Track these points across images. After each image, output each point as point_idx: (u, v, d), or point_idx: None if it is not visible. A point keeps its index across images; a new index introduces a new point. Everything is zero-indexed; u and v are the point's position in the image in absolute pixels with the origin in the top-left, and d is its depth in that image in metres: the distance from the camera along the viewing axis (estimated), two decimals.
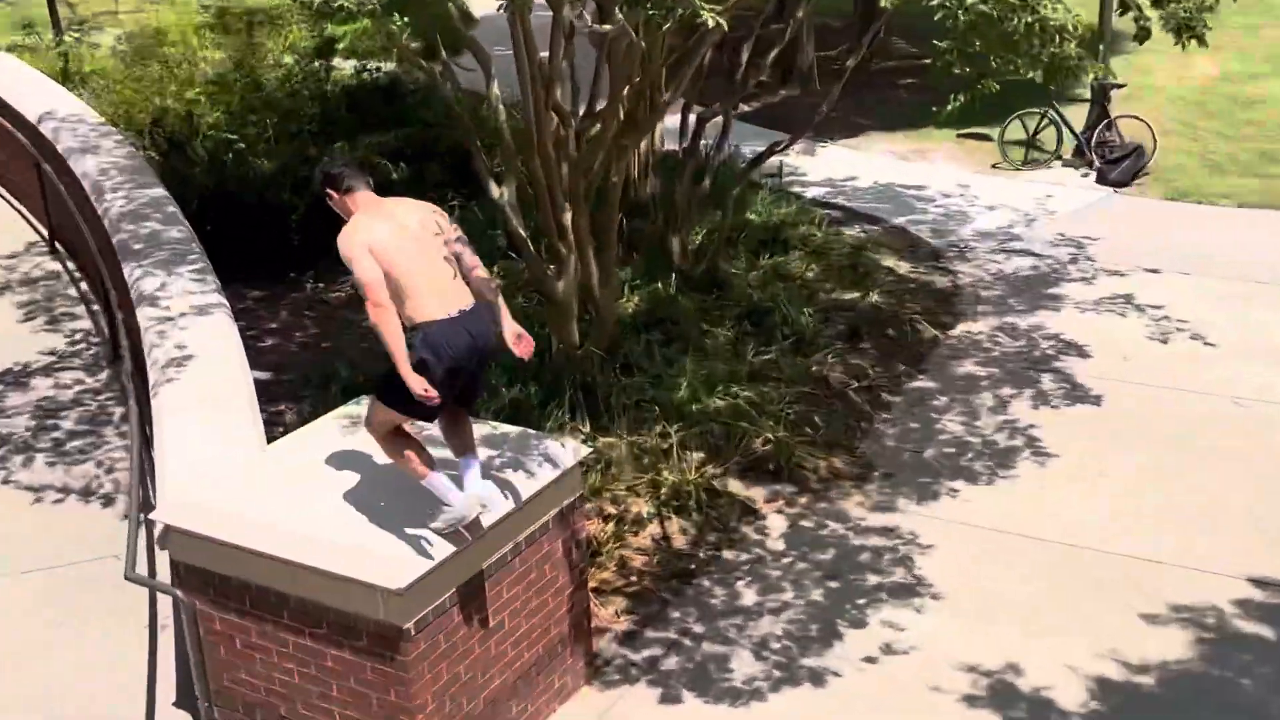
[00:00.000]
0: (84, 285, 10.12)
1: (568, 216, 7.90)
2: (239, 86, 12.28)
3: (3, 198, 11.94)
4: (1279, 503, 7.20)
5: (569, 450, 5.72)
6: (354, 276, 4.80)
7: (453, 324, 4.85)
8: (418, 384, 4.73)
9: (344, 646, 5.06)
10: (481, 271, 5.08)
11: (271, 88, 12.44)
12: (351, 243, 4.80)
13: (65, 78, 14.24)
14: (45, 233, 10.95)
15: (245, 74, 12.51)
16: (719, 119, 10.03)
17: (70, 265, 10.50)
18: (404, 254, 4.82)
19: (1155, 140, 13.03)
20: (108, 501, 7.33)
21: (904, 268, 10.75)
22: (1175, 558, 6.74)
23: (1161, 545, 6.84)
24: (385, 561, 4.89)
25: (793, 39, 12.51)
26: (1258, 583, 6.51)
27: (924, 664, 6.03)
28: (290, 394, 8.62)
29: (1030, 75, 5.17)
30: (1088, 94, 13.56)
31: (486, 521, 5.16)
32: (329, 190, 5.03)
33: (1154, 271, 10.48)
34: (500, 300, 5.15)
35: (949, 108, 5.46)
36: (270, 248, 10.81)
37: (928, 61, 16.82)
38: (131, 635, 6.22)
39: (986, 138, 14.06)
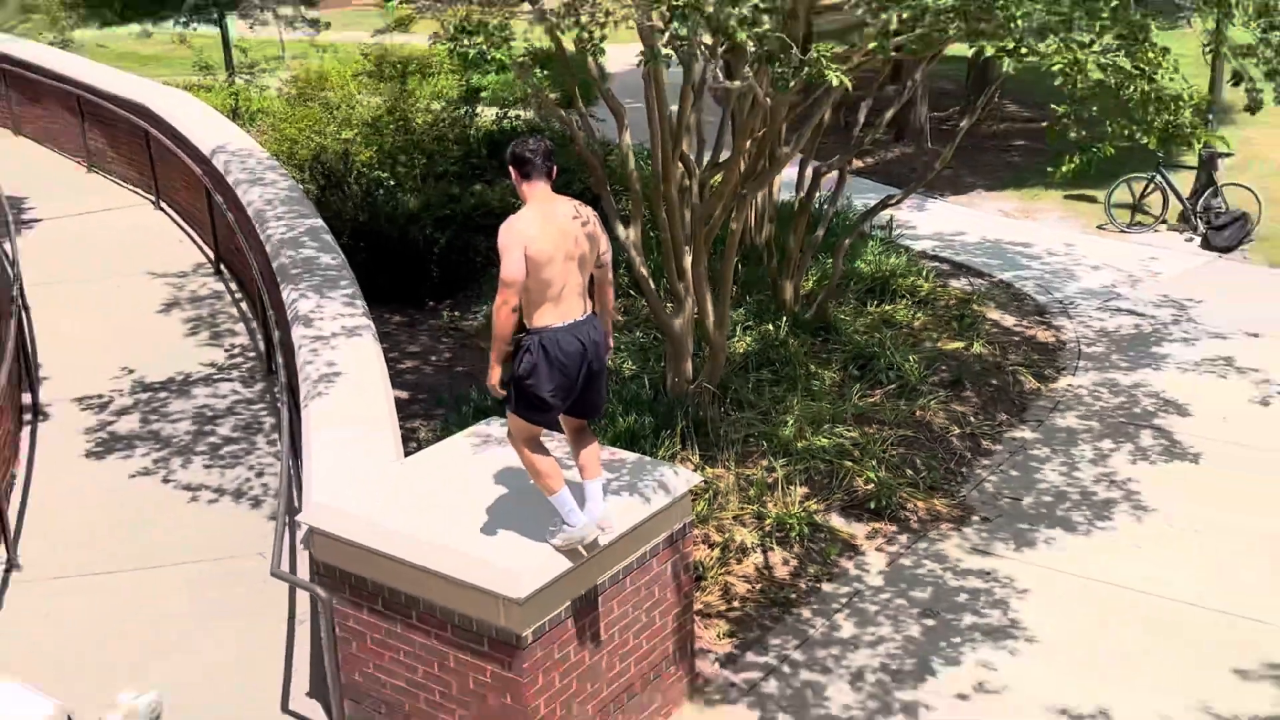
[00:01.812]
0: (244, 305, 10.45)
1: (688, 259, 7.94)
2: (390, 129, 12.63)
3: (176, 222, 12.42)
4: None
5: (681, 478, 5.71)
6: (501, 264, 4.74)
7: (565, 331, 4.86)
8: (494, 378, 4.84)
9: (465, 649, 5.13)
10: (611, 290, 5.16)
11: (420, 131, 12.79)
12: (511, 234, 4.74)
13: (235, 115, 14.84)
14: (212, 255, 11.34)
15: (397, 118, 12.85)
16: (835, 174, 10.01)
17: (233, 286, 10.85)
18: (553, 265, 4.79)
19: (1261, 208, 12.64)
20: (256, 503, 7.52)
21: (1008, 321, 10.59)
22: (1272, 617, 6.48)
23: (1258, 606, 6.59)
24: (508, 572, 4.93)
25: (908, 100, 12.46)
26: None
27: (1016, 705, 5.89)
28: (425, 412, 8.79)
29: (1145, 141, 5.07)
30: (1194, 161, 13.23)
31: (602, 541, 5.19)
32: (513, 169, 4.93)
33: (1255, 335, 10.16)
34: (610, 316, 5.19)
35: (1064, 168, 5.37)
36: (412, 278, 11.08)
37: (1039, 125, 16.64)
38: (272, 628, 6.37)
39: (1093, 200, 13.81)
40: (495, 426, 6.19)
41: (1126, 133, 5.06)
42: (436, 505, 5.42)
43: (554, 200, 4.94)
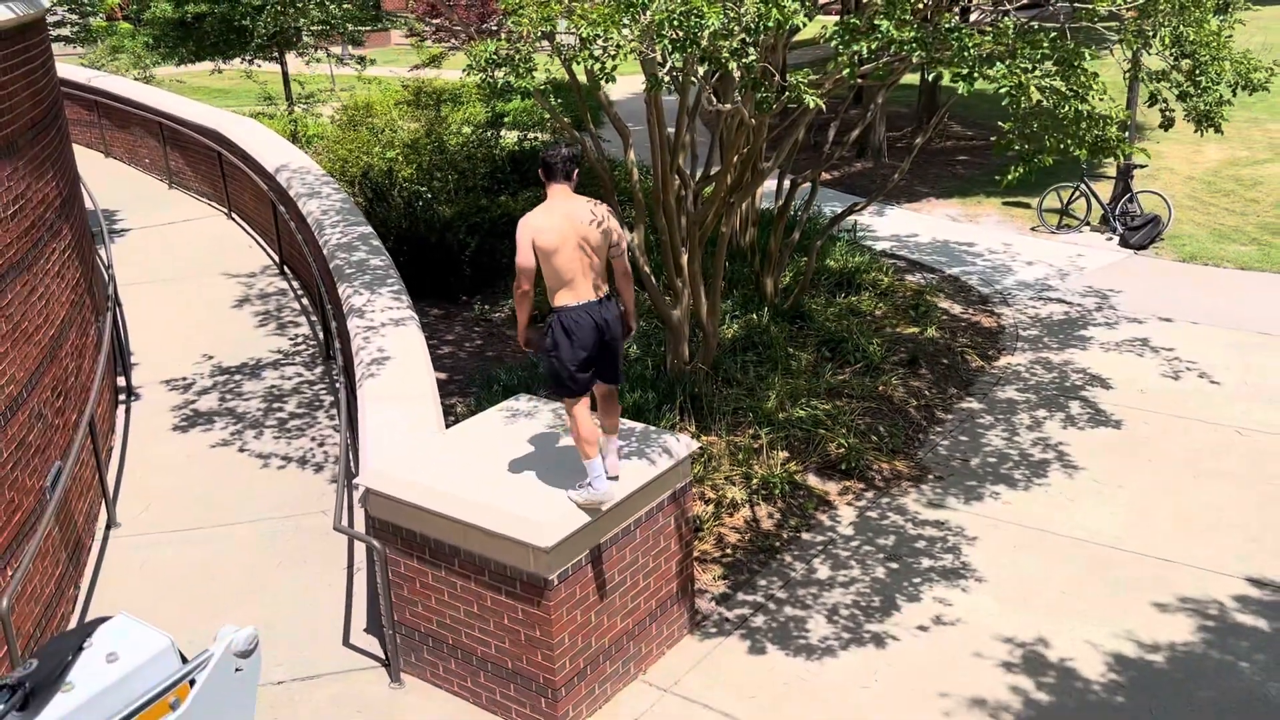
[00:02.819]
0: (305, 300, 10.41)
1: (684, 258, 7.89)
2: (427, 150, 12.58)
3: (245, 230, 12.35)
4: (1274, 516, 6.87)
5: (682, 444, 5.68)
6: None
7: (580, 310, 4.88)
8: (520, 337, 5.01)
9: (501, 590, 5.10)
10: (627, 279, 5.07)
11: (452, 151, 12.74)
12: (522, 228, 4.80)
13: (295, 139, 14.78)
14: (277, 258, 11.29)
15: (433, 140, 12.80)
16: (808, 185, 9.96)
17: (295, 284, 10.80)
18: (562, 254, 4.79)
19: (1170, 212, 12.59)
20: (319, 469, 7.50)
21: (956, 309, 10.55)
22: (1183, 558, 6.47)
23: (1172, 548, 6.58)
24: (536, 525, 4.91)
25: (869, 121, 12.40)
26: (1255, 582, 6.21)
27: (968, 635, 5.87)
28: (461, 391, 8.75)
29: (1077, 153, 5.03)
30: (1113, 172, 13.16)
31: (617, 497, 5.16)
32: (541, 172, 4.96)
33: (1167, 320, 10.12)
34: (630, 299, 5.15)
35: (1010, 176, 5.32)
36: (448, 277, 11.05)
37: (981, 141, 16.52)
38: (334, 575, 6.35)
39: (1027, 205, 13.75)
40: (523, 402, 6.16)
41: (1062, 146, 5.01)
42: (473, 469, 5.40)
43: (570, 199, 4.90)
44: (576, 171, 4.92)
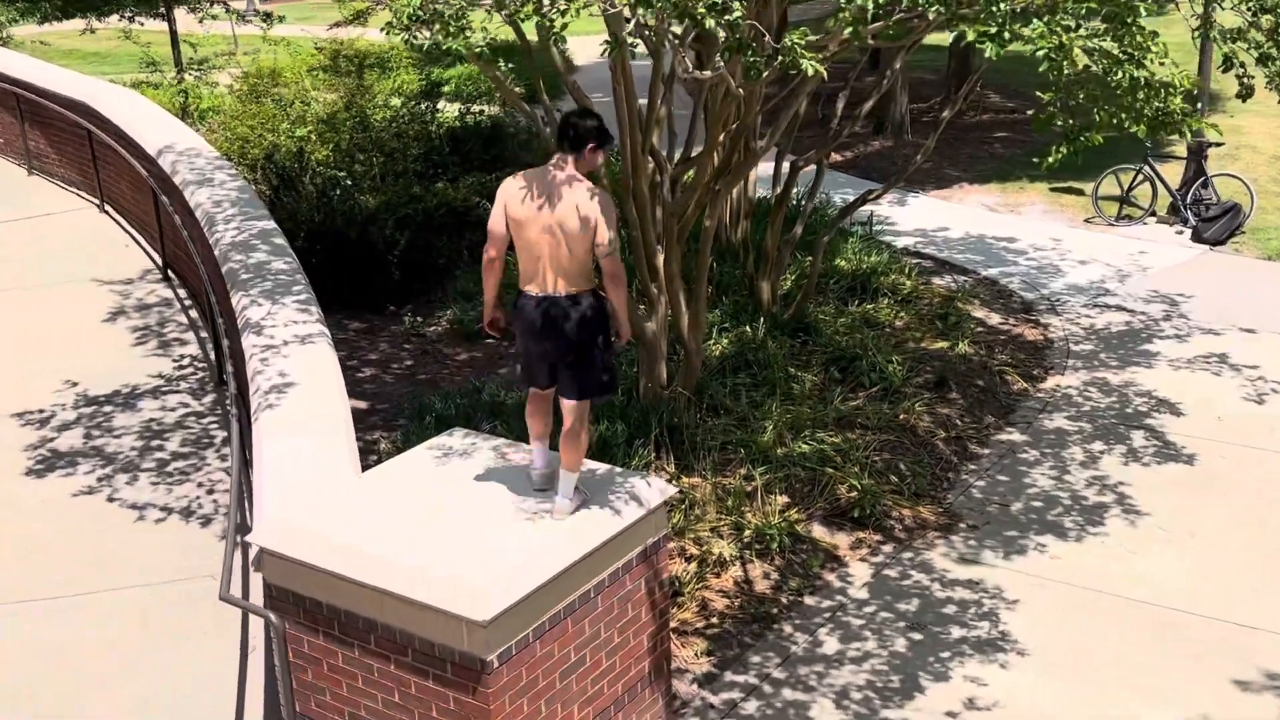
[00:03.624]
0: (193, 312, 10.30)
1: (660, 258, 7.88)
2: (347, 126, 12.56)
3: (121, 226, 12.24)
4: None
5: (654, 488, 5.63)
6: None
7: (530, 300, 5.25)
8: (485, 319, 5.52)
9: (428, 675, 5.02)
10: (614, 279, 5.25)
11: (378, 128, 12.71)
12: (500, 191, 5.25)
13: (184, 114, 14.68)
14: (159, 261, 11.18)
15: (354, 114, 12.78)
16: (813, 167, 9.97)
17: (181, 293, 10.70)
18: (529, 231, 5.15)
19: (1253, 199, 12.68)
20: (206, 522, 7.39)
21: (994, 319, 10.58)
22: (1269, 623, 6.46)
23: (1255, 611, 6.57)
24: (471, 592, 4.84)
25: (887, 91, 12.47)
26: None
27: None
28: (386, 423, 8.69)
29: (1134, 129, 5.02)
30: (1183, 151, 13.26)
31: (572, 558, 5.11)
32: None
33: (1250, 331, 10.18)
34: (619, 304, 5.33)
35: (1051, 158, 5.31)
36: (371, 282, 10.99)
37: (1022, 115, 16.67)
38: (223, 654, 6.24)
39: (1080, 192, 13.84)
40: (458, 438, 6.12)
41: (1115, 121, 5.01)
42: (395, 523, 5.34)
43: (562, 174, 5.17)
44: (591, 147, 5.20)
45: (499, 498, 5.52)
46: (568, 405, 5.41)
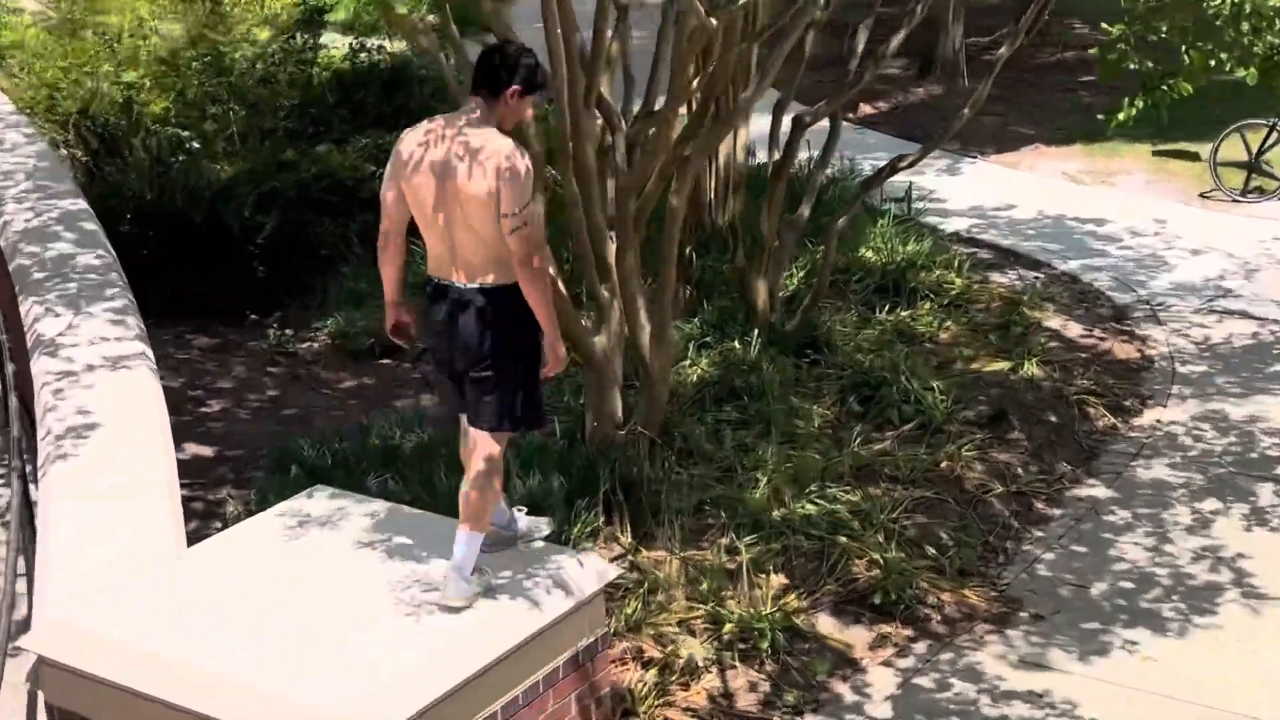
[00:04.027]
0: None
1: (611, 250, 7.83)
2: (196, 68, 12.56)
3: None
4: None
5: (590, 570, 5.71)
6: None
7: (435, 295, 5.46)
8: (388, 323, 5.68)
9: None
10: (533, 272, 5.29)
11: (239, 71, 12.74)
12: (396, 145, 5.44)
13: None
14: None
15: (205, 52, 12.79)
16: (826, 123, 9.92)
17: None
18: (421, 195, 5.33)
19: None
20: None
21: (1073, 330, 10.57)
22: None
23: None
24: (320, 717, 4.83)
25: (933, 19, 12.46)
26: None
27: None
28: (237, 475, 8.69)
29: (1240, 75, 4.98)
30: None
31: (469, 670, 5.12)
32: None
33: None
34: (538, 306, 5.37)
35: (1121, 115, 5.27)
36: (227, 281, 10.99)
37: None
38: None
39: (1195, 157, 13.86)
40: (321, 500, 6.18)
41: (1213, 63, 4.96)
42: (225, 620, 5.36)
43: (469, 121, 5.33)
44: (515, 91, 5.35)
45: (370, 582, 5.55)
46: (477, 438, 5.55)
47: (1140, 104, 5.20)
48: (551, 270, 6.73)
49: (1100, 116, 6.25)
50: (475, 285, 5.34)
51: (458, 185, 5.23)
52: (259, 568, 5.71)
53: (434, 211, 5.32)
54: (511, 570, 5.59)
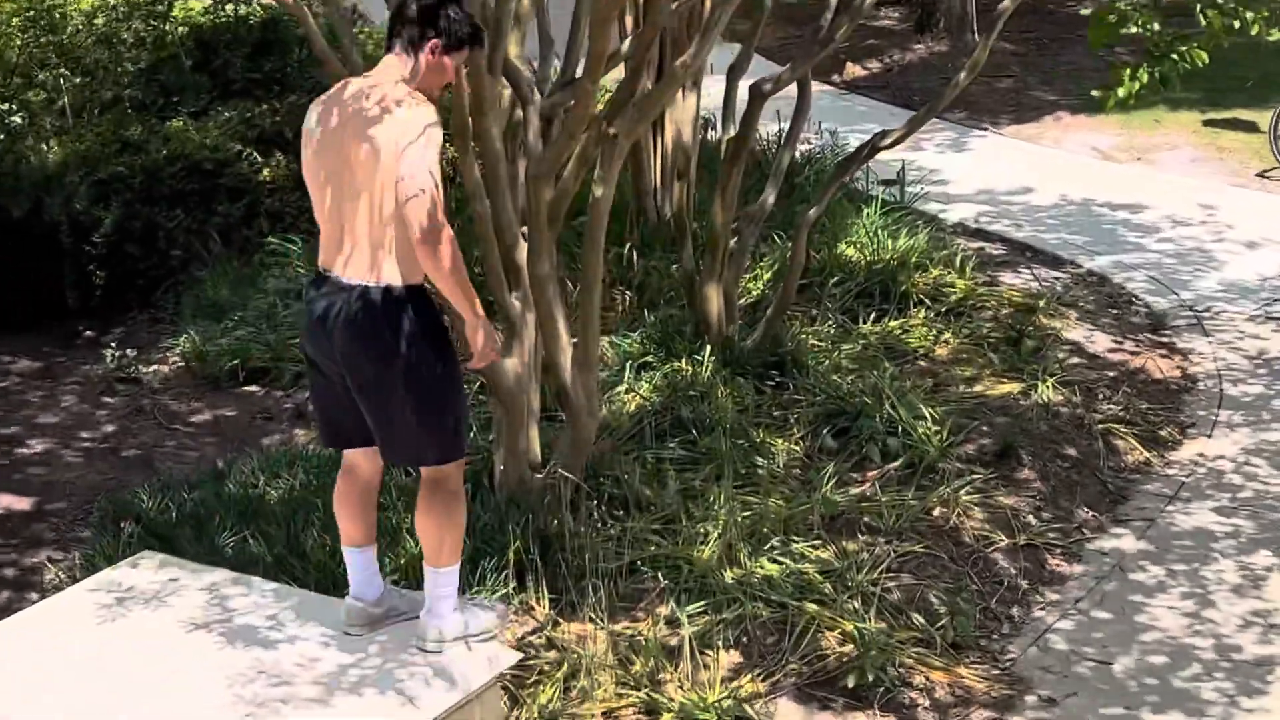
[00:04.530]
0: None
1: (522, 251, 7.80)
2: (18, 25, 12.51)
3: None
4: None
5: (480, 658, 5.79)
6: None
7: (315, 292, 5.58)
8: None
9: None
10: (433, 258, 5.33)
11: (73, 29, 12.69)
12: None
13: None
14: None
15: (29, 5, 12.73)
16: (792, 89, 9.91)
17: None
18: (313, 170, 5.55)
19: None
20: None
21: (1099, 342, 10.63)
22: None
23: None
24: None
25: None
26: None
27: None
28: (59, 535, 8.61)
29: (1268, 36, 4.97)
30: None
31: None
32: None
33: None
34: (450, 292, 5.49)
35: (1121, 91, 5.26)
36: (54, 290, 10.95)
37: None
38: None
39: (1252, 127, 13.91)
40: (147, 569, 6.14)
41: (1238, 25, 4.95)
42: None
43: (379, 79, 5.50)
44: (438, 45, 5.51)
45: (203, 676, 5.52)
46: (377, 469, 5.89)
47: (1144, 76, 5.18)
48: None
49: (1094, 93, 6.21)
50: (379, 283, 5.42)
51: (354, 151, 5.34)
52: (62, 657, 5.68)
53: (323, 184, 5.50)
54: (380, 656, 5.58)
